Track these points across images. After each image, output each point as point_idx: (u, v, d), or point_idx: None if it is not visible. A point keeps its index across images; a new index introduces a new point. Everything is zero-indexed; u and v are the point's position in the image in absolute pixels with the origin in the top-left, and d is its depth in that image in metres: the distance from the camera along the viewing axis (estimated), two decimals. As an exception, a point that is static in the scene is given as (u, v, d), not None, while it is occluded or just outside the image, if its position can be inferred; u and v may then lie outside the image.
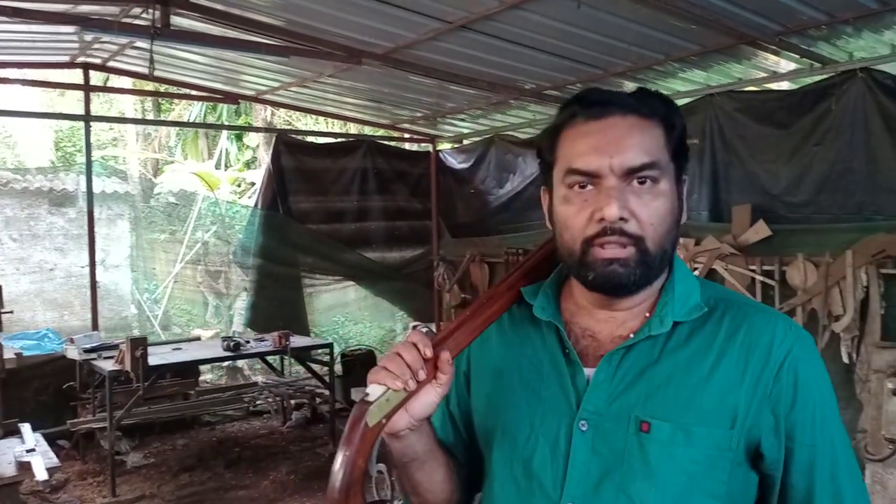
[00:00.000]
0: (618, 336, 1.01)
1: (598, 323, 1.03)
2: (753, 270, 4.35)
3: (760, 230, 4.34)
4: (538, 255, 1.10)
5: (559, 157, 1.00)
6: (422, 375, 0.94)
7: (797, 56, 4.15)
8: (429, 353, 0.95)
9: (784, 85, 4.64)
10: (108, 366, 4.75)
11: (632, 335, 0.99)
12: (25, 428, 3.87)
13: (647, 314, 1.01)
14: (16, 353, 5.36)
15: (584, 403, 0.98)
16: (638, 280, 0.96)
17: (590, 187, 0.95)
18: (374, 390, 0.94)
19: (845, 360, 3.89)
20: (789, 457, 0.95)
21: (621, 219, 0.93)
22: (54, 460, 3.43)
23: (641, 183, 0.94)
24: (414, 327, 6.42)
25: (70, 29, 4.60)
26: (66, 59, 5.90)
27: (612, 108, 0.96)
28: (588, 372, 0.99)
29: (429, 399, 0.97)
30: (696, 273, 4.62)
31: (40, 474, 3.21)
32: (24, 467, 3.28)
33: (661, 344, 0.98)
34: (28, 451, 3.45)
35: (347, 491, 0.90)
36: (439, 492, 1.09)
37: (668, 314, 0.98)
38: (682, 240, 4.75)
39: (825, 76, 4.17)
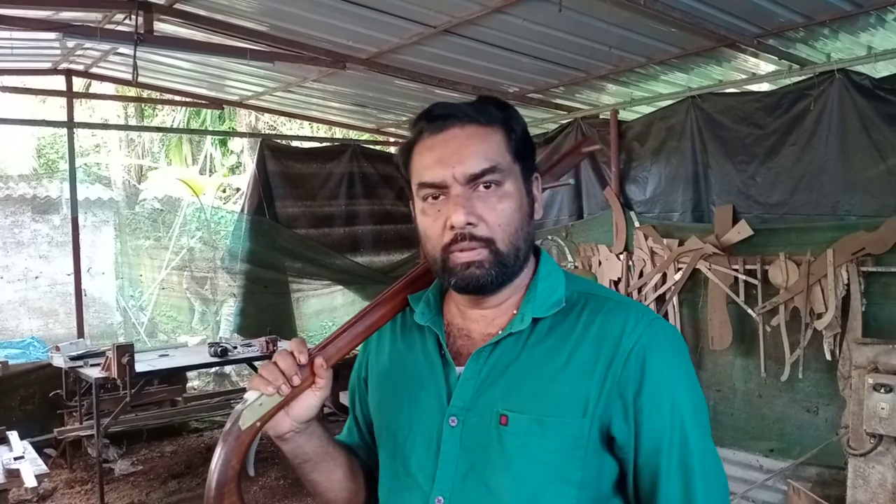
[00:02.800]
0: (488, 334, 1.06)
1: (471, 322, 1.09)
2: (736, 270, 4.40)
3: (742, 230, 4.40)
4: (424, 264, 1.15)
5: (412, 172, 1.06)
6: (296, 381, 1.00)
7: (776, 58, 4.20)
8: (303, 359, 1.01)
9: (764, 86, 4.70)
10: (94, 373, 4.72)
11: (500, 332, 1.04)
12: (13, 435, 3.84)
13: (515, 311, 1.06)
14: (1, 362, 5.33)
15: (453, 399, 1.03)
16: (496, 279, 1.01)
17: (441, 197, 1.01)
18: (249, 396, 1.00)
19: (828, 357, 3.94)
20: (637, 440, 0.98)
21: (469, 224, 0.98)
22: (43, 467, 3.41)
23: (486, 188, 1.00)
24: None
25: (52, 36, 4.58)
26: (48, 65, 5.86)
27: (452, 120, 1.02)
28: (460, 370, 1.04)
29: (309, 402, 1.03)
30: (680, 274, 4.68)
31: (29, 481, 3.18)
32: (12, 475, 3.26)
33: (524, 340, 1.03)
34: (16, 459, 3.43)
35: (222, 489, 0.97)
36: (338, 490, 1.14)
37: (528, 311, 1.04)
38: (665, 240, 4.81)
39: (804, 77, 4.24)
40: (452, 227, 0.99)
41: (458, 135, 1.01)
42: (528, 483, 0.96)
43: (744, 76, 4.66)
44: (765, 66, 4.48)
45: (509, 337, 1.03)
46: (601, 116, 5.60)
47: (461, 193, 0.99)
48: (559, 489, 0.97)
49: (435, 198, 1.02)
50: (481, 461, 0.99)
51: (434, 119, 1.04)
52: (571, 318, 1.04)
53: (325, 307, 7.41)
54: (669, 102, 5.02)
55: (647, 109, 5.34)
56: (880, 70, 4.01)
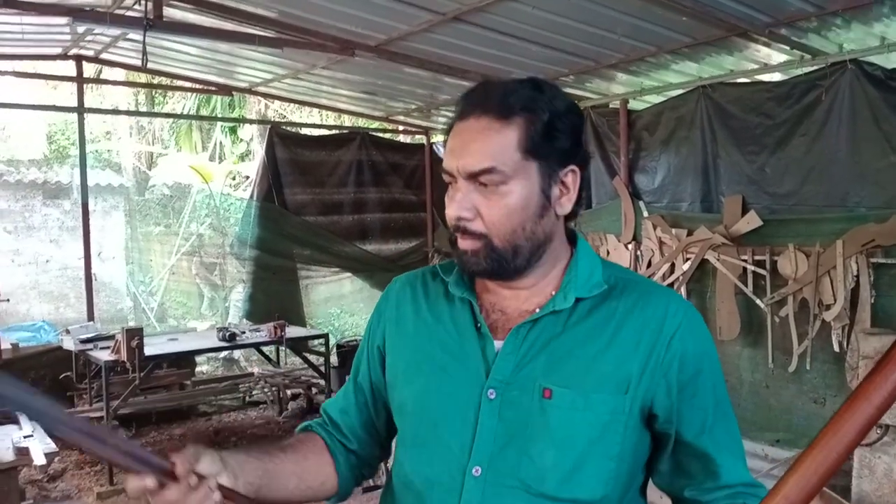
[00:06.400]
0: (525, 310, 1.08)
1: (505, 299, 1.10)
2: (745, 260, 4.39)
3: (751, 220, 4.38)
4: None
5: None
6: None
7: (787, 48, 4.17)
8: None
9: (776, 76, 4.67)
10: (104, 356, 4.76)
11: (538, 309, 1.06)
12: (22, 416, 3.88)
13: (553, 291, 1.08)
14: (11, 345, 5.37)
15: (492, 373, 1.04)
16: (492, 269, 1.04)
17: (454, 184, 1.04)
18: None
19: (836, 348, 3.93)
20: (681, 417, 1.03)
21: (462, 218, 1.01)
22: (52, 446, 3.43)
23: (485, 185, 1.00)
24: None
25: (62, 20, 4.59)
26: (58, 51, 5.88)
27: (473, 109, 1.02)
28: (498, 344, 1.06)
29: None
30: (688, 264, 4.67)
31: (38, 459, 3.22)
32: (23, 454, 3.29)
33: (565, 318, 1.05)
34: (25, 437, 3.46)
35: None
36: (304, 489, 1.12)
37: (571, 291, 1.06)
38: (673, 230, 4.79)
39: (815, 68, 4.20)
40: None
41: (472, 127, 1.01)
42: (570, 454, 0.99)
43: (755, 66, 4.63)
44: (776, 56, 4.44)
45: (550, 315, 1.05)
46: (611, 106, 5.58)
47: (461, 187, 1.01)
48: (599, 462, 1.00)
49: (453, 183, 1.05)
50: (522, 433, 1.00)
51: (465, 104, 1.04)
52: (611, 300, 1.06)
53: (334, 294, 7.44)
54: (680, 92, 5.00)
55: (656, 99, 5.31)
56: (893, 61, 3.97)
